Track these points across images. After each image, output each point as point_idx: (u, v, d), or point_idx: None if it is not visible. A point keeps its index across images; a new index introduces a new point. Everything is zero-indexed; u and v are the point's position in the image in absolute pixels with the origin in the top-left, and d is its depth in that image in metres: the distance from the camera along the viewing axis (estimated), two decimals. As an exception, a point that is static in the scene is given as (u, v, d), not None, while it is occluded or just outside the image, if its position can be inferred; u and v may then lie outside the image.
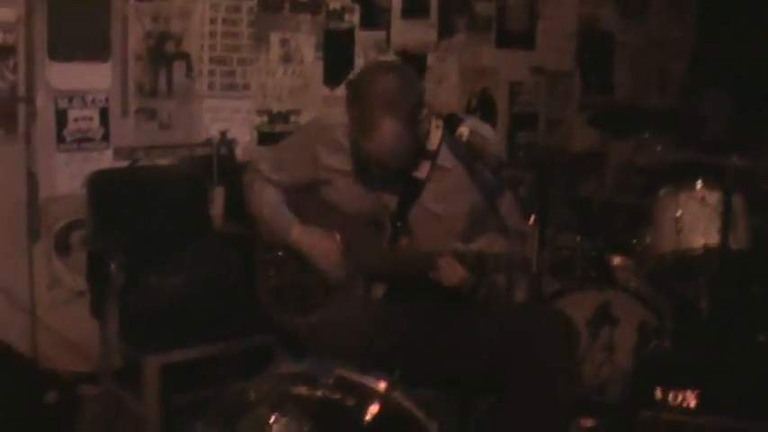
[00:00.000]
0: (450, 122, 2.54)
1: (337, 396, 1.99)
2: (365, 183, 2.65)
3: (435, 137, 2.62)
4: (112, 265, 3.11)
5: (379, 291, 2.67)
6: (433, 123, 2.62)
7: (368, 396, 2.01)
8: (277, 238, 2.75)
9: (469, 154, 2.53)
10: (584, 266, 2.31)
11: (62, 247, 3.66)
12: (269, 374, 2.07)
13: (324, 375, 2.03)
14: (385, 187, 2.63)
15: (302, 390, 2.00)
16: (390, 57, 4.48)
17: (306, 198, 2.77)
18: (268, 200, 2.79)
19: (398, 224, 2.63)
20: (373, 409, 1.99)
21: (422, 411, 2.06)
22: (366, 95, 2.44)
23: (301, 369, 2.09)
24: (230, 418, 1.95)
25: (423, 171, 2.62)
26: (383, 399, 2.02)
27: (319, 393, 1.99)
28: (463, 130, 2.49)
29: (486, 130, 2.67)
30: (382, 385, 2.04)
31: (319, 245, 2.68)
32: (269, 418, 1.86)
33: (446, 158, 2.62)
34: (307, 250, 2.69)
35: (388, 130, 2.41)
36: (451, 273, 2.44)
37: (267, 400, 1.95)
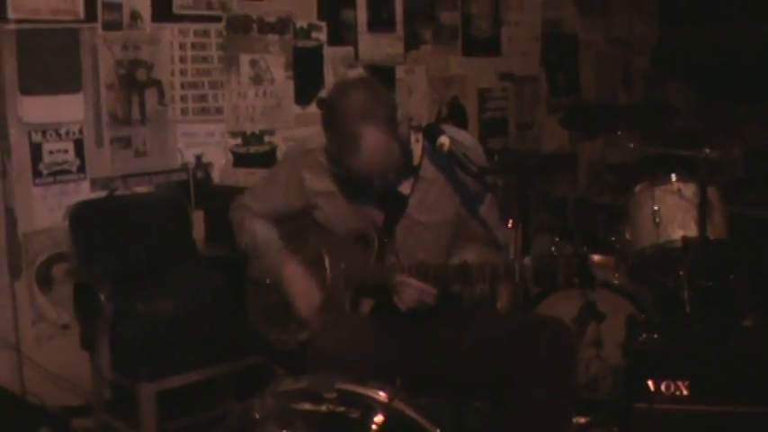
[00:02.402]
0: (430, 133, 2.56)
1: (342, 409, 2.01)
2: (351, 201, 2.65)
3: (416, 151, 2.64)
4: (102, 296, 3.11)
5: (366, 306, 2.67)
6: (413, 138, 2.64)
7: (371, 407, 2.03)
8: (269, 275, 2.75)
9: (451, 163, 2.55)
10: (566, 272, 2.32)
11: (44, 281, 3.64)
12: (271, 392, 2.08)
13: (325, 390, 2.04)
14: (371, 203, 2.64)
15: (306, 405, 2.01)
16: (359, 71, 4.52)
17: (295, 224, 2.77)
18: (262, 235, 2.76)
19: (385, 240, 2.64)
20: (378, 419, 2.01)
21: (425, 419, 2.08)
22: (341, 114, 2.45)
23: (302, 385, 2.10)
24: (239, 437, 1.96)
25: (406, 187, 2.64)
26: (386, 409, 2.03)
27: (324, 408, 2.00)
28: (444, 140, 2.51)
29: (465, 137, 2.70)
30: (384, 395, 2.06)
31: (303, 295, 2.66)
32: (278, 436, 1.87)
33: (428, 170, 2.64)
34: (291, 294, 2.68)
35: (371, 140, 2.41)
36: (409, 290, 2.46)
37: (273, 418, 1.95)
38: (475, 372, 2.55)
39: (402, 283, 2.47)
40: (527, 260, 2.36)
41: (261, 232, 2.77)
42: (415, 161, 2.63)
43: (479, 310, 2.70)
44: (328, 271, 2.69)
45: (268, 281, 2.77)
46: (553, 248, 2.34)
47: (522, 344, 2.45)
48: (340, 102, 2.49)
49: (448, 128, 2.66)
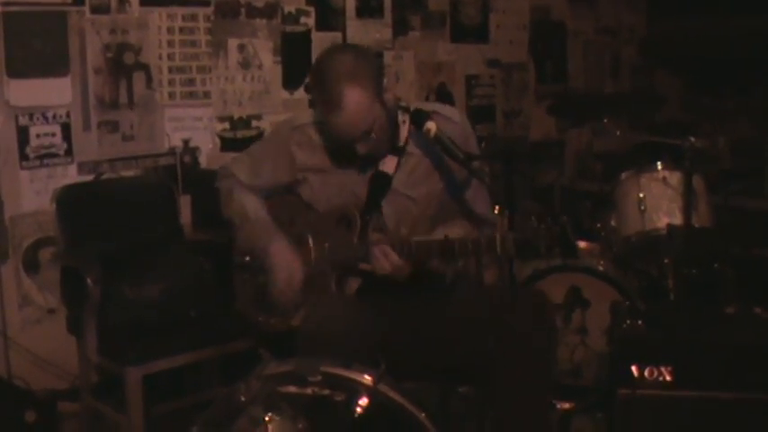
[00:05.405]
0: (418, 118, 2.57)
1: (326, 392, 2.02)
2: (338, 173, 2.65)
3: (403, 132, 2.65)
4: (89, 280, 3.11)
5: (352, 287, 2.68)
6: (400, 118, 2.65)
7: (356, 390, 2.04)
8: (254, 247, 2.75)
9: (438, 148, 2.56)
10: (548, 242, 2.35)
11: (31, 265, 3.64)
12: (257, 376, 2.09)
13: (311, 373, 2.05)
14: (357, 179, 2.65)
15: (292, 388, 2.02)
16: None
17: (279, 201, 2.78)
18: (252, 207, 2.77)
19: (368, 218, 2.65)
20: (363, 402, 2.02)
21: (410, 402, 2.10)
22: (327, 72, 2.47)
23: (288, 368, 2.11)
24: (224, 420, 1.96)
25: (390, 166, 2.65)
26: (371, 392, 2.05)
27: (309, 391, 2.01)
28: (431, 126, 2.51)
29: (452, 113, 2.70)
30: (369, 379, 2.07)
31: (286, 271, 2.66)
32: (263, 418, 1.88)
33: (414, 149, 2.65)
34: (272, 268, 2.68)
35: (353, 99, 2.43)
36: (384, 261, 2.48)
37: (259, 401, 1.96)
38: (458, 352, 2.56)
39: (381, 251, 2.48)
40: (507, 235, 2.38)
41: (250, 206, 2.77)
42: (401, 141, 2.64)
43: (463, 288, 2.71)
44: (312, 252, 2.69)
45: (247, 258, 2.77)
46: (534, 219, 2.36)
47: (503, 322, 2.46)
48: (327, 62, 2.51)
49: (434, 105, 2.70)
